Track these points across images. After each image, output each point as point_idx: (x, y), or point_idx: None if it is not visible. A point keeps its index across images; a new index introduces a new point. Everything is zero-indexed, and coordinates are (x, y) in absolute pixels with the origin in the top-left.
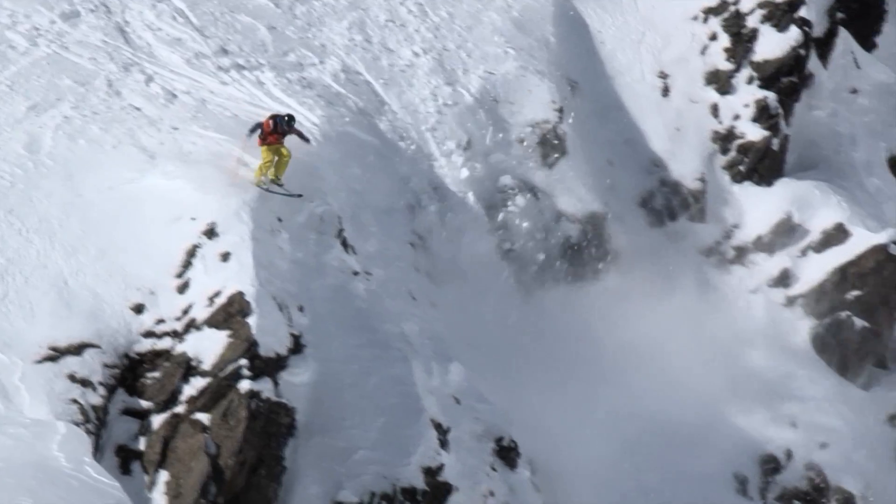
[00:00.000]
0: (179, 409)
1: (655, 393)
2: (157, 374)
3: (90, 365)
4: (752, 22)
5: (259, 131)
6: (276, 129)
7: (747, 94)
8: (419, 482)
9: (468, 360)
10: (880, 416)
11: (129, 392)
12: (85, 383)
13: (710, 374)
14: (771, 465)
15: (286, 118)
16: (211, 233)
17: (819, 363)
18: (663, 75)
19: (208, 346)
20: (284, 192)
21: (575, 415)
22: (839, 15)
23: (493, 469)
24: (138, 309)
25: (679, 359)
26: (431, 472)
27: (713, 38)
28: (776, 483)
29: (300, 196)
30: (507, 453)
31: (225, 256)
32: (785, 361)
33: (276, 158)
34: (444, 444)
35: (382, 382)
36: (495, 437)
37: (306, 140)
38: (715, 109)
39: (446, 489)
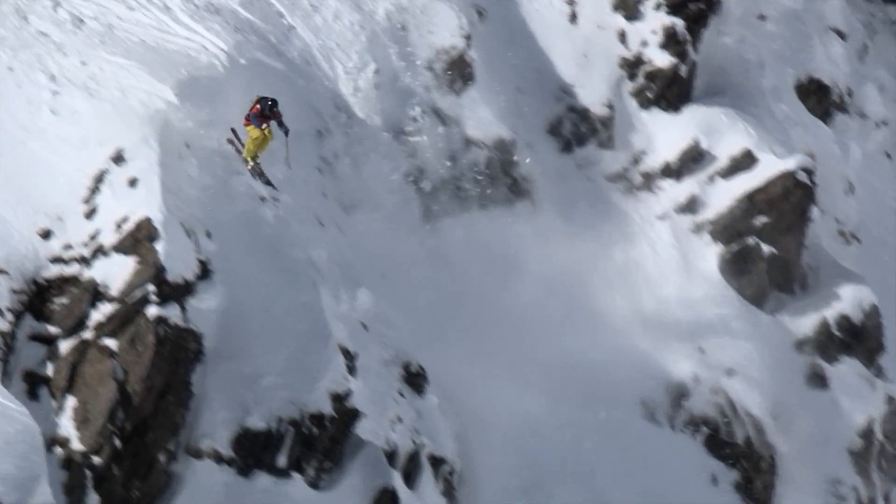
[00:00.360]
0: (87, 334)
1: (564, 322)
2: (64, 300)
3: None
4: None
5: (251, 116)
6: (263, 112)
7: (655, 20)
8: (327, 408)
9: (376, 287)
10: (788, 342)
11: (36, 317)
12: None
13: (617, 301)
14: (678, 392)
15: (269, 102)
16: (118, 158)
17: (727, 289)
18: (571, 2)
19: (116, 272)
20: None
21: (485, 345)
22: None
23: (401, 395)
24: (46, 234)
25: (587, 286)
26: (339, 398)
27: None
28: (684, 409)
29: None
30: (414, 379)
31: (132, 182)
32: (693, 288)
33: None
34: (351, 370)
35: (290, 308)
36: (403, 362)
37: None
38: (623, 36)
39: (354, 415)
